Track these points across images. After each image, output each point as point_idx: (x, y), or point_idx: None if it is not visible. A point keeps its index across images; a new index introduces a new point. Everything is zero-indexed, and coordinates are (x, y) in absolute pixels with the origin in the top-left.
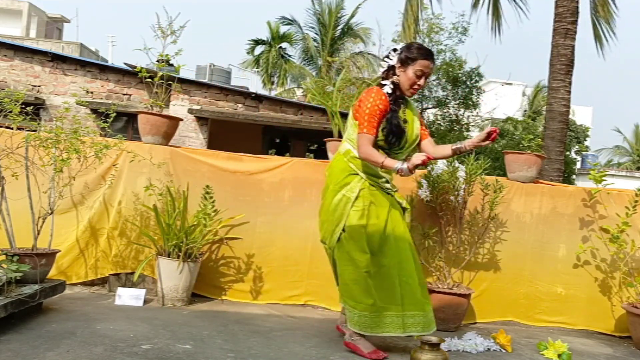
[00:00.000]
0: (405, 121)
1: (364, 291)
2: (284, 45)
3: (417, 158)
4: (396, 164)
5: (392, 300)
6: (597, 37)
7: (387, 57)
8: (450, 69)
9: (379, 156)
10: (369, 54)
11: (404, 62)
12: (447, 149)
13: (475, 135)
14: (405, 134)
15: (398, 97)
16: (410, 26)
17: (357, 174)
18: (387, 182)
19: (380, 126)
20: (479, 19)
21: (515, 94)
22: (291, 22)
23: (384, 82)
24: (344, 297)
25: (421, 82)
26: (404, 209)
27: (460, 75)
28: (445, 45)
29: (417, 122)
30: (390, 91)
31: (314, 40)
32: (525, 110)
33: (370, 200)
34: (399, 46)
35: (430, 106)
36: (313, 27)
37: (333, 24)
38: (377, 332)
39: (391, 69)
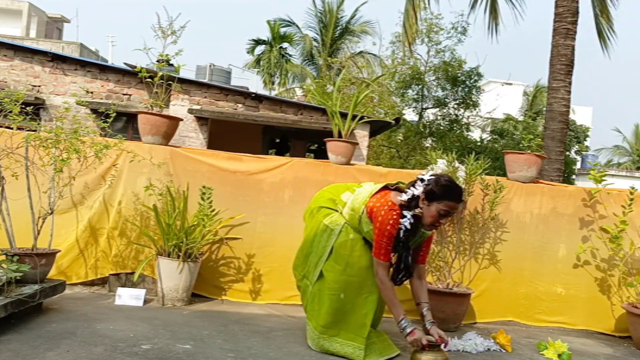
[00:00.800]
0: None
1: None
2: (284, 45)
3: (421, 340)
4: (403, 321)
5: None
6: (600, 36)
7: (413, 184)
8: (449, 69)
9: (394, 299)
10: (369, 53)
11: (430, 197)
12: (423, 301)
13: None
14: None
15: (416, 228)
16: (412, 26)
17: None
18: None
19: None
20: (476, 19)
21: (516, 94)
22: (290, 23)
23: (405, 212)
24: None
25: (443, 221)
26: None
27: (459, 75)
28: (445, 46)
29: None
30: (408, 227)
31: (314, 40)
32: (526, 110)
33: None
34: (426, 176)
35: (429, 106)
36: (313, 27)
37: (333, 24)
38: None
39: (415, 199)
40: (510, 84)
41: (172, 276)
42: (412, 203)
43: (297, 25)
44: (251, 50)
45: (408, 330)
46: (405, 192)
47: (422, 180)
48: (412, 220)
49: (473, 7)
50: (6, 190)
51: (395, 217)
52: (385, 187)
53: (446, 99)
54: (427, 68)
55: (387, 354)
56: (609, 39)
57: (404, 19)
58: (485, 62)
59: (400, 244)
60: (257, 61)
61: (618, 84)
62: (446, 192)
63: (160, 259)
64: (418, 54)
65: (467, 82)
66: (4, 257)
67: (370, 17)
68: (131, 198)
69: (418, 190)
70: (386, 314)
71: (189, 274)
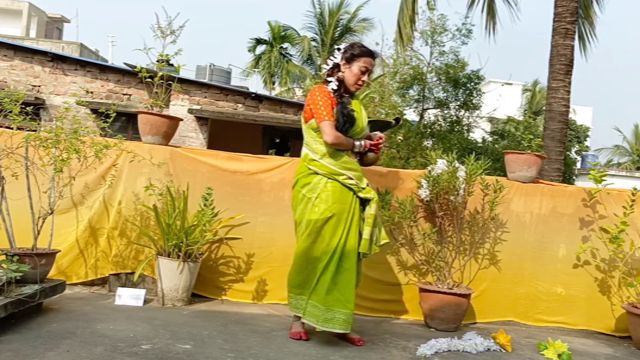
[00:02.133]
0: (353, 110)
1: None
2: (285, 45)
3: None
4: (356, 142)
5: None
6: (581, 38)
7: (332, 56)
8: (451, 70)
9: (347, 138)
10: None
11: (349, 59)
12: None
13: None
14: (356, 121)
15: (343, 92)
16: (406, 25)
17: (317, 174)
18: (351, 178)
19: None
20: (472, 19)
21: (516, 94)
22: (287, 29)
23: (329, 79)
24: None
25: (365, 77)
26: (367, 201)
27: (460, 77)
28: (450, 47)
29: (364, 112)
30: (335, 87)
31: (314, 40)
32: (525, 110)
33: (330, 206)
34: (342, 46)
35: (430, 106)
36: (312, 28)
37: (333, 24)
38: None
39: (336, 67)
40: (510, 84)
41: (172, 276)
42: (334, 71)
43: (295, 30)
44: (252, 49)
45: (363, 143)
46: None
47: (339, 49)
48: (337, 83)
49: (470, 6)
50: (6, 190)
51: (318, 90)
52: None
53: (447, 100)
54: (430, 69)
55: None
56: (589, 42)
57: (398, 18)
58: (486, 62)
59: (345, 123)
60: (258, 61)
61: (618, 84)
62: (362, 51)
63: (160, 259)
64: (420, 54)
65: (468, 85)
66: (4, 257)
67: (371, 15)
68: (131, 198)
69: (337, 59)
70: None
71: (189, 274)
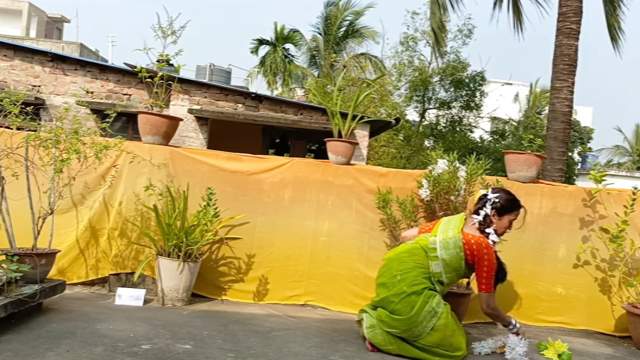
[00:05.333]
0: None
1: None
2: (287, 45)
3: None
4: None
5: None
6: (611, 35)
7: (482, 206)
8: (453, 71)
9: (506, 316)
10: (372, 56)
11: (501, 212)
12: None
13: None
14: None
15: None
16: (441, 30)
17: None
18: None
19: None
20: (499, 18)
21: (515, 94)
22: (294, 31)
23: (487, 230)
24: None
25: (510, 229)
26: None
27: (463, 77)
28: (451, 47)
29: None
30: (495, 240)
31: (317, 41)
32: (526, 110)
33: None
34: (490, 195)
35: (431, 107)
36: (317, 28)
37: (337, 25)
38: None
39: (487, 217)
40: (511, 84)
41: (172, 276)
42: (486, 221)
43: (300, 33)
44: (255, 50)
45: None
46: (478, 214)
47: (487, 199)
48: (495, 236)
49: (495, 6)
50: (6, 190)
51: (491, 252)
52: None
53: (450, 101)
54: (432, 70)
55: None
56: (619, 37)
57: (431, 22)
58: (487, 63)
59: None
60: (263, 62)
61: (618, 84)
62: (514, 204)
63: (161, 259)
64: (422, 54)
65: (471, 85)
66: (4, 257)
67: (372, 17)
68: (131, 198)
69: (487, 209)
70: None
71: (189, 274)
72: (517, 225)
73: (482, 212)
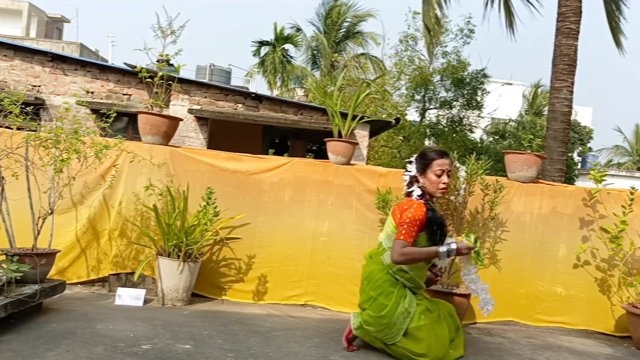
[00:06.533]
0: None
1: None
2: (287, 46)
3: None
4: (443, 248)
5: None
6: (616, 40)
7: (406, 170)
8: (454, 71)
9: (426, 250)
10: (372, 56)
11: (422, 170)
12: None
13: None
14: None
15: (428, 200)
16: (434, 26)
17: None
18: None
19: (418, 234)
20: (490, 17)
21: (516, 94)
22: (298, 29)
23: (410, 189)
24: None
25: (444, 179)
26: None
27: (464, 76)
28: (453, 47)
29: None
30: (420, 193)
31: (317, 40)
32: (527, 110)
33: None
34: (412, 158)
35: (432, 107)
36: (318, 28)
37: (337, 26)
38: None
39: (413, 179)
40: (511, 84)
41: (172, 276)
42: (413, 183)
43: (302, 30)
44: (256, 52)
45: (452, 247)
46: (404, 180)
47: (409, 162)
48: (420, 192)
49: (487, 5)
50: (6, 190)
51: (416, 205)
52: None
53: (451, 100)
54: (433, 69)
55: None
56: (620, 35)
57: (424, 18)
58: (487, 63)
59: (437, 233)
60: (263, 63)
61: (618, 84)
62: (429, 154)
63: (161, 259)
64: (422, 54)
65: (473, 84)
66: (4, 257)
67: (373, 18)
68: (131, 198)
69: (412, 171)
70: None
71: (189, 274)
72: (517, 225)
73: (406, 175)
